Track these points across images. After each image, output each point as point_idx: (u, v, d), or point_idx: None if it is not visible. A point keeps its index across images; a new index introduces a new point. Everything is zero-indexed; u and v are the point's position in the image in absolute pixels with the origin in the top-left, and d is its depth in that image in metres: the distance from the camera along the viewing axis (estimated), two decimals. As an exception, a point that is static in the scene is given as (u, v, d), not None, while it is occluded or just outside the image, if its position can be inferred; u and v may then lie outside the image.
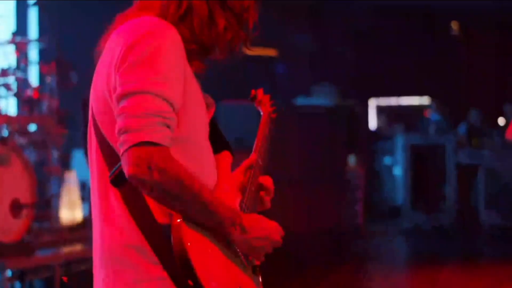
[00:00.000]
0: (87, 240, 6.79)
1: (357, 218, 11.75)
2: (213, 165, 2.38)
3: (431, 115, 13.18)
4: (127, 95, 2.14)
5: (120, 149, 2.12)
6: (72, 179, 7.26)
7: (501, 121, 12.76)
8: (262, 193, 2.63)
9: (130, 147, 2.09)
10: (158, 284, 2.20)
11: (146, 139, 2.09)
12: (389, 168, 14.20)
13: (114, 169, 2.21)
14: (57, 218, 7.16)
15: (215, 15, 2.30)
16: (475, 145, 12.31)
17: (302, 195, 10.79)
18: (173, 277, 2.17)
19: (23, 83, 7.43)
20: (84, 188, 7.65)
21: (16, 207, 6.38)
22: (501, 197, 11.76)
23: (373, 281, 9.06)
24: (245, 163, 2.65)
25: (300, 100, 12.58)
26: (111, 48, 2.26)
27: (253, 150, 2.69)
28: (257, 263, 2.40)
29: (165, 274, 2.19)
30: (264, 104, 2.95)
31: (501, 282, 8.65)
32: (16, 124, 7.15)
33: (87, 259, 6.19)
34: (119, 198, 2.24)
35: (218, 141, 2.45)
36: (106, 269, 2.27)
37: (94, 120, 2.31)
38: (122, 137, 2.12)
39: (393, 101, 15.75)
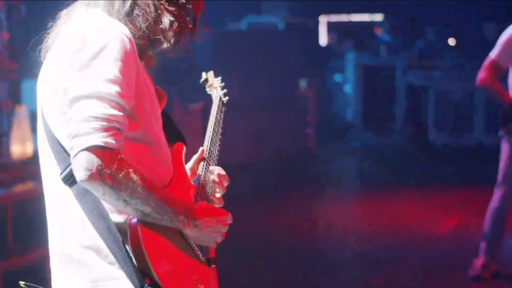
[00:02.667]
0: (38, 177, 6.73)
1: (308, 141, 11.82)
2: (168, 160, 2.40)
3: (382, 35, 13.17)
4: (76, 99, 2.14)
5: (70, 153, 2.13)
6: (22, 113, 7.16)
7: (451, 42, 12.81)
8: (215, 182, 2.64)
9: (80, 151, 2.10)
10: (115, 284, 2.23)
11: (96, 143, 2.10)
12: (340, 85, 14.25)
13: (64, 168, 2.23)
14: (8, 154, 7.07)
15: (160, 9, 2.31)
16: (426, 66, 12.38)
17: (252, 120, 10.76)
18: (130, 276, 2.21)
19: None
20: (34, 119, 7.55)
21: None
22: (450, 117, 11.91)
23: (325, 205, 9.19)
24: (199, 153, 2.67)
25: (250, 18, 12.48)
26: (60, 49, 2.26)
27: (205, 138, 2.70)
28: (212, 255, 2.44)
29: (122, 273, 2.22)
30: (215, 88, 2.93)
31: (451, 205, 8.84)
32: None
33: (39, 197, 6.14)
34: (72, 196, 2.25)
35: (171, 133, 2.48)
36: (63, 269, 2.29)
37: (43, 117, 2.32)
38: (72, 142, 2.12)
39: (344, 17, 15.70)
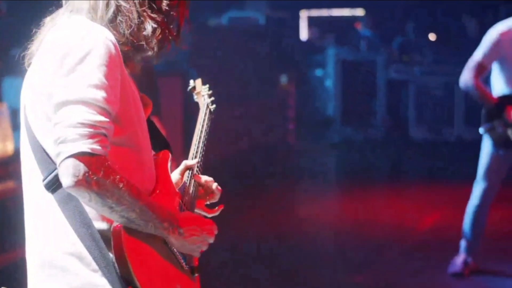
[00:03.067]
0: (19, 176, 6.69)
1: (288, 136, 11.84)
2: (152, 166, 2.40)
3: (363, 30, 13.18)
4: (62, 105, 2.14)
5: (57, 159, 2.13)
6: (3, 111, 7.11)
7: (432, 37, 12.84)
8: (201, 191, 2.64)
9: (66, 158, 2.10)
10: None
11: (83, 149, 2.10)
12: (321, 80, 14.24)
13: (47, 175, 2.23)
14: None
15: (143, 16, 2.30)
16: (406, 61, 12.42)
17: (232, 115, 10.74)
18: (113, 283, 2.20)
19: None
20: (15, 116, 7.50)
21: None
22: (430, 112, 11.96)
23: (305, 200, 9.22)
24: (185, 164, 2.66)
25: (231, 13, 12.45)
26: (45, 55, 2.26)
27: (191, 146, 2.69)
28: (195, 264, 2.44)
29: (104, 281, 2.21)
30: (202, 96, 2.92)
31: (430, 200, 8.88)
32: None
33: (20, 197, 6.10)
34: (54, 203, 2.25)
35: (156, 141, 2.48)
36: (44, 276, 2.28)
37: (27, 124, 2.31)
38: (58, 148, 2.12)
39: (324, 12, 15.70)
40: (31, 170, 2.31)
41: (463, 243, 6.18)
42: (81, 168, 2.09)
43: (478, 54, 5.92)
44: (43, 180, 2.24)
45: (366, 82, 12.50)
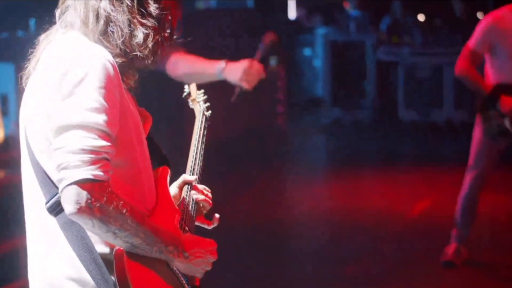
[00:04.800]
0: (9, 165, 6.63)
1: (278, 119, 11.79)
2: (152, 186, 2.37)
3: (352, 11, 13.11)
4: (63, 129, 2.11)
5: (59, 185, 2.10)
6: (-8, 98, 7.03)
7: (421, 17, 12.79)
8: (199, 204, 2.61)
9: (69, 185, 2.08)
10: None
11: (85, 176, 2.08)
12: (309, 59, 14.19)
13: (50, 198, 2.20)
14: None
15: (133, 23, 2.26)
16: (395, 42, 12.38)
17: (220, 98, 10.65)
18: None
19: None
20: (4, 102, 7.44)
21: None
22: (420, 94, 11.93)
23: (295, 184, 9.20)
24: (183, 179, 2.61)
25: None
26: (42, 75, 2.22)
27: (189, 157, 2.64)
28: (196, 283, 2.41)
29: None
30: (197, 102, 2.87)
31: (420, 184, 8.88)
32: None
33: (10, 186, 6.05)
34: (57, 226, 2.22)
35: (155, 156, 2.44)
36: None
37: (28, 144, 2.27)
38: (60, 174, 2.10)
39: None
40: (33, 192, 2.27)
41: (454, 232, 6.17)
42: (84, 195, 2.07)
43: (471, 42, 5.88)
44: (46, 203, 2.22)
45: (355, 63, 12.44)
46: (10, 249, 5.59)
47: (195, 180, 2.60)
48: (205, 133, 2.77)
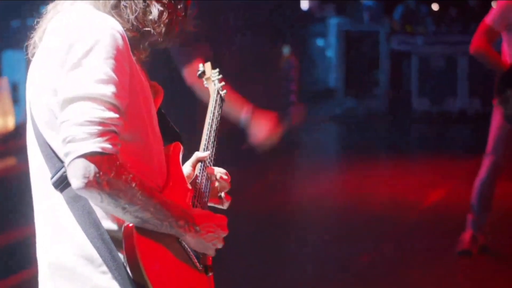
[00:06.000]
0: (21, 153, 6.60)
1: (291, 109, 11.70)
2: (163, 162, 2.29)
3: (365, 1, 13.04)
4: (69, 101, 2.02)
5: (66, 159, 2.02)
6: (3, 86, 7.00)
7: (434, 7, 12.70)
8: (214, 184, 2.53)
9: (76, 158, 1.99)
10: None
11: (93, 149, 1.99)
12: (322, 49, 14.11)
13: (55, 173, 2.12)
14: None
15: None
16: (409, 31, 12.30)
17: (233, 87, 10.63)
18: (124, 286, 2.11)
19: None
20: (16, 91, 7.41)
21: None
22: (434, 83, 11.85)
23: (308, 174, 9.15)
24: (196, 156, 2.53)
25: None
26: (48, 47, 2.14)
27: (202, 136, 2.57)
28: (209, 263, 2.33)
29: (115, 283, 2.12)
30: (212, 81, 2.79)
31: (434, 173, 8.81)
32: None
33: (21, 174, 6.01)
34: (63, 201, 2.14)
35: (167, 131, 2.36)
36: (53, 278, 2.19)
37: (32, 119, 2.20)
38: (67, 147, 2.01)
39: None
40: (38, 167, 2.19)
41: (470, 218, 6.06)
42: (92, 168, 1.98)
43: (489, 19, 5.73)
44: (51, 178, 2.13)
45: (368, 52, 12.36)
46: (23, 236, 5.55)
47: (208, 156, 2.52)
48: (220, 112, 2.68)
